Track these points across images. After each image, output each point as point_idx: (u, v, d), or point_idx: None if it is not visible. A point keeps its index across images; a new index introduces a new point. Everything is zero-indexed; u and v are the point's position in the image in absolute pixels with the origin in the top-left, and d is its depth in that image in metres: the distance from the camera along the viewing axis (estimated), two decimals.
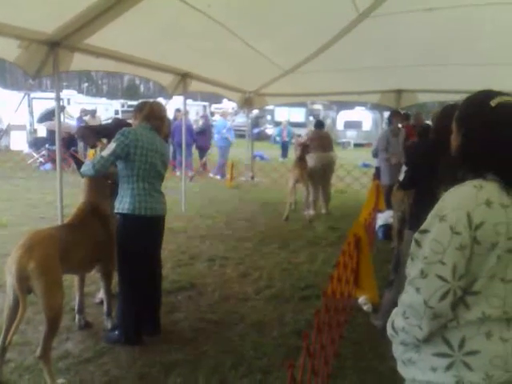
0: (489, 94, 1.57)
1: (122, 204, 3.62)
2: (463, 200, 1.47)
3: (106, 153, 3.54)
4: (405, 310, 1.51)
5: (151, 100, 4.15)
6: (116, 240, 3.71)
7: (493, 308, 1.46)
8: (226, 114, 15.43)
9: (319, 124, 9.65)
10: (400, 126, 7.98)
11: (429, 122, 6.10)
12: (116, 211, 3.68)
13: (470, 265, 1.44)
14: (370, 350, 3.71)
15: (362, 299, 4.57)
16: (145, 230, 3.66)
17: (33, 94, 21.21)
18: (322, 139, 8.99)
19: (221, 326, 4.11)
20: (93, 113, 16.65)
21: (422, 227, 1.54)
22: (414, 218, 3.34)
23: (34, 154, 14.90)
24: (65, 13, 4.22)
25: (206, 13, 4.85)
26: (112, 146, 3.54)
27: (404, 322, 1.52)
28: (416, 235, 1.55)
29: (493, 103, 1.53)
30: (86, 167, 3.59)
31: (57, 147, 5.29)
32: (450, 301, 1.44)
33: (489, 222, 1.43)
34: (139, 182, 3.62)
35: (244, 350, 3.68)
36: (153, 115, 3.79)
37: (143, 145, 3.60)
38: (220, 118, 15.16)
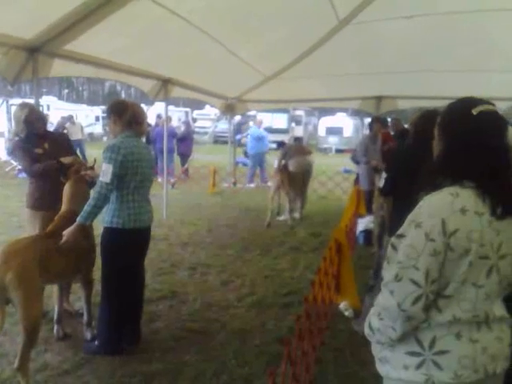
0: (470, 102, 1.59)
1: (110, 218, 3.50)
2: (439, 207, 1.50)
3: (105, 178, 3.35)
4: (380, 311, 1.56)
5: (126, 100, 3.92)
6: (103, 253, 3.61)
7: (463, 311, 1.50)
8: (260, 121, 14.32)
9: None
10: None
11: (406, 126, 6.18)
12: (105, 225, 3.55)
13: (443, 270, 1.48)
14: (352, 355, 3.71)
15: (343, 305, 4.58)
16: (134, 243, 3.61)
17: (11, 101, 20.89)
18: (298, 145, 9.14)
19: (202, 335, 4.08)
20: (70, 118, 16.44)
21: (399, 232, 1.57)
22: (394, 224, 3.36)
23: (13, 162, 14.66)
24: (44, 18, 4.18)
25: (187, 19, 4.86)
26: (108, 168, 3.35)
27: (379, 322, 1.56)
28: (393, 239, 1.59)
29: (474, 111, 1.55)
30: (94, 201, 3.39)
31: None
32: (422, 304, 1.48)
33: (462, 229, 1.46)
34: (129, 195, 3.50)
35: (226, 359, 3.65)
36: (135, 120, 3.59)
37: (133, 157, 3.47)
38: (254, 126, 14.47)
